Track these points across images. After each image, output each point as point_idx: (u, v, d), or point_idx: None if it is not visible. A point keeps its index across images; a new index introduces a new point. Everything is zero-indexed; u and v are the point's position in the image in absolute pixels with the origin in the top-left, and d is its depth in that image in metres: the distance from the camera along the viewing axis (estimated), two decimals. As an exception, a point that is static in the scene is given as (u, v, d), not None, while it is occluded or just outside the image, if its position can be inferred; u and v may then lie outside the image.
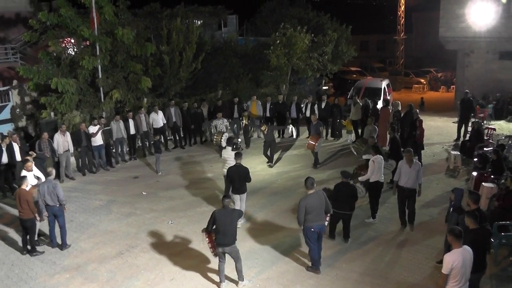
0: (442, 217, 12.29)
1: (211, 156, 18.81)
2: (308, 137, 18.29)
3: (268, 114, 21.48)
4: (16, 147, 14.87)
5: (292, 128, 19.77)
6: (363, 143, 15.67)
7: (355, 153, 16.07)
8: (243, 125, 19.80)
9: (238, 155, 12.28)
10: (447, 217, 10.15)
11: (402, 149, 14.51)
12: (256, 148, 19.55)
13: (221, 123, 18.17)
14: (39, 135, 16.23)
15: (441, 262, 9.38)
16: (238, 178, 11.86)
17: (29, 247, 11.30)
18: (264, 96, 23.10)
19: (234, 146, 13.73)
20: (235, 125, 20.79)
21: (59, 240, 11.50)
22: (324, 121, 20.96)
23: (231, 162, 12.70)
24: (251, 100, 21.62)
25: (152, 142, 18.09)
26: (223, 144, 14.95)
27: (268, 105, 21.49)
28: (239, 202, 12.20)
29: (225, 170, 12.94)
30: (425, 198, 13.91)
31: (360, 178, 12.63)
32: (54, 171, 11.52)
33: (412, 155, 11.62)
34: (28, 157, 12.96)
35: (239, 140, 16.10)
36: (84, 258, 11.04)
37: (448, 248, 9.40)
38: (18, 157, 14.74)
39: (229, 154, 13.20)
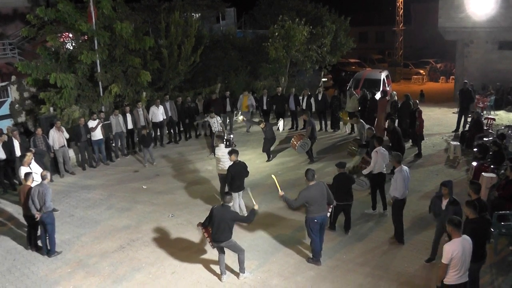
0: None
1: (208, 150, 18.81)
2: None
3: (265, 107, 21.47)
4: (16, 143, 14.85)
5: (281, 123, 19.52)
6: (357, 144, 15.67)
7: (351, 155, 16.08)
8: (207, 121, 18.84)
9: (234, 152, 11.93)
10: (431, 207, 9.90)
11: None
12: (253, 141, 19.55)
13: (215, 122, 17.65)
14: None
15: (429, 260, 9.50)
16: (239, 176, 11.76)
17: (39, 242, 11.24)
18: (263, 89, 23.13)
19: (227, 143, 13.42)
20: (228, 119, 21.06)
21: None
22: (322, 113, 21.04)
23: (226, 160, 12.51)
24: (242, 95, 21.60)
25: (139, 138, 18.00)
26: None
27: (264, 98, 21.49)
28: (237, 199, 12.12)
29: (220, 169, 12.82)
30: (425, 189, 13.94)
31: (363, 171, 12.62)
32: (49, 175, 11.12)
33: (393, 159, 10.88)
34: (28, 153, 12.92)
35: (231, 136, 15.77)
36: (85, 252, 11.08)
37: (437, 238, 9.64)
38: (18, 153, 14.71)
39: (223, 152, 12.83)
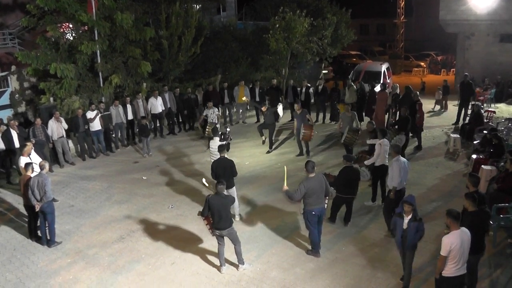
0: (441, 200, 12.37)
1: (207, 141, 18.78)
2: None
3: (257, 99, 21.39)
4: (14, 133, 14.82)
5: (278, 109, 19.23)
6: (355, 134, 15.10)
7: (348, 145, 15.33)
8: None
9: (220, 148, 11.56)
10: (392, 229, 9.10)
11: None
12: (252, 132, 19.54)
13: (212, 113, 17.44)
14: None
15: (403, 278, 9.01)
16: (223, 172, 11.10)
17: (39, 233, 11.25)
18: (263, 80, 23.09)
19: (222, 137, 13.29)
20: (227, 111, 21.30)
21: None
22: (321, 104, 21.05)
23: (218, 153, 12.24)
24: (238, 86, 21.55)
25: (138, 128, 18.01)
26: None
27: (257, 90, 21.43)
28: None
29: (212, 160, 12.43)
30: (425, 182, 13.98)
31: (366, 162, 12.60)
32: (47, 165, 11.10)
33: (392, 149, 10.91)
34: (28, 143, 12.91)
35: (228, 129, 15.58)
36: (85, 242, 11.11)
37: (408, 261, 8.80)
38: (16, 144, 14.68)
39: (217, 145, 12.48)
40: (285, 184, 9.92)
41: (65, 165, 16.48)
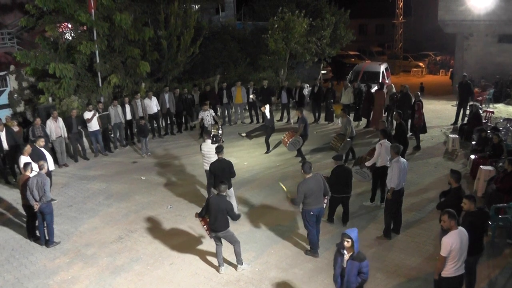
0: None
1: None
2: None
3: (251, 100, 21.40)
4: (2, 134, 14.71)
5: (267, 110, 19.02)
6: (341, 140, 14.96)
7: (334, 150, 15.17)
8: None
9: (218, 150, 11.47)
10: (334, 265, 7.44)
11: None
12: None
13: (208, 115, 17.34)
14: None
15: None
16: (221, 173, 11.03)
17: (37, 233, 11.22)
18: (262, 80, 23.11)
19: (214, 139, 13.18)
20: (226, 112, 21.34)
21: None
22: (316, 105, 21.05)
23: (212, 156, 12.03)
24: (235, 86, 21.54)
25: (137, 128, 18.02)
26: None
27: (251, 91, 21.41)
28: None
29: (206, 165, 12.30)
30: (424, 181, 13.99)
31: (366, 163, 12.57)
32: (46, 165, 11.09)
33: (392, 150, 10.78)
34: (41, 138, 12.98)
35: (220, 132, 15.48)
36: (83, 242, 11.10)
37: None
38: (4, 145, 14.70)
39: (209, 148, 12.37)
40: (288, 195, 10.03)
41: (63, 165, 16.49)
